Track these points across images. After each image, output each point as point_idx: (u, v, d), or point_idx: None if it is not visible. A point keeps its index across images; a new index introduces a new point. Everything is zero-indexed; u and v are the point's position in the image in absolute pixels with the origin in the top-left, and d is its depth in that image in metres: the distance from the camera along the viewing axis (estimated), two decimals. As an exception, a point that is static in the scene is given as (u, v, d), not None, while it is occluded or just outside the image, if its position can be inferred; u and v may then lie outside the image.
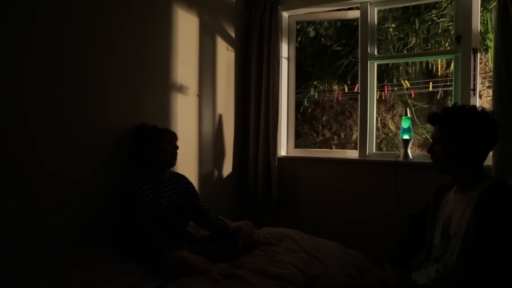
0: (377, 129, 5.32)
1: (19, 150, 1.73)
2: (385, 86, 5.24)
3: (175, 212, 2.05)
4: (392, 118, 5.69)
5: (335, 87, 5.82)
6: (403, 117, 2.85)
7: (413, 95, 5.22)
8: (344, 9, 3.31)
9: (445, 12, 4.91)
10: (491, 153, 2.31)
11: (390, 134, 5.63)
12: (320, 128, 6.01)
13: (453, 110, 1.51)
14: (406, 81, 5.08)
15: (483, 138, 1.45)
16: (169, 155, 2.10)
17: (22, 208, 1.73)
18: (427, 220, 1.63)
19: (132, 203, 1.92)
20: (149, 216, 1.92)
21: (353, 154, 3.08)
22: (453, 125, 1.47)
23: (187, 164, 2.65)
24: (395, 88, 5.48)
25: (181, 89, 2.61)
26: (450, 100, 4.79)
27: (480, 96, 4.71)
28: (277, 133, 3.12)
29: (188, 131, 2.70)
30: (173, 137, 2.16)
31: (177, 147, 2.14)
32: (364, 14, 2.95)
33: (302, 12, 3.24)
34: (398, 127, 5.38)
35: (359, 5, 2.97)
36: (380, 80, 5.09)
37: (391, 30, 5.34)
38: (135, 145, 2.12)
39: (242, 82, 3.27)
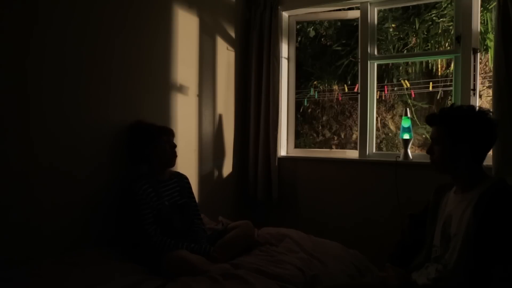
0: (377, 129, 5.32)
1: (19, 150, 1.73)
2: (385, 86, 5.23)
3: (176, 212, 2.05)
4: (392, 118, 5.69)
5: (335, 87, 5.82)
6: (403, 117, 2.85)
7: (413, 95, 5.22)
8: (344, 9, 3.31)
9: (445, 12, 4.90)
10: (491, 153, 2.31)
11: (390, 134, 5.63)
12: (320, 128, 6.01)
13: (450, 110, 1.52)
14: (406, 81, 5.08)
15: (481, 137, 1.45)
16: (169, 155, 2.10)
17: (22, 208, 1.73)
18: (427, 220, 1.63)
19: (133, 202, 1.93)
20: (151, 215, 1.93)
21: (353, 154, 3.08)
22: (451, 126, 1.47)
23: (187, 164, 2.65)
24: (395, 88, 5.47)
25: (181, 89, 2.61)
26: (450, 100, 4.79)
27: (480, 96, 4.71)
28: (277, 133, 3.11)
29: (188, 131, 2.69)
30: (171, 135, 2.15)
31: (175, 146, 2.13)
32: (364, 14, 2.95)
33: (302, 12, 3.24)
34: (398, 127, 5.37)
35: (359, 5, 2.97)
36: (380, 80, 5.08)
37: (391, 30, 5.33)
38: (132, 144, 2.11)
39: (242, 82, 3.27)
